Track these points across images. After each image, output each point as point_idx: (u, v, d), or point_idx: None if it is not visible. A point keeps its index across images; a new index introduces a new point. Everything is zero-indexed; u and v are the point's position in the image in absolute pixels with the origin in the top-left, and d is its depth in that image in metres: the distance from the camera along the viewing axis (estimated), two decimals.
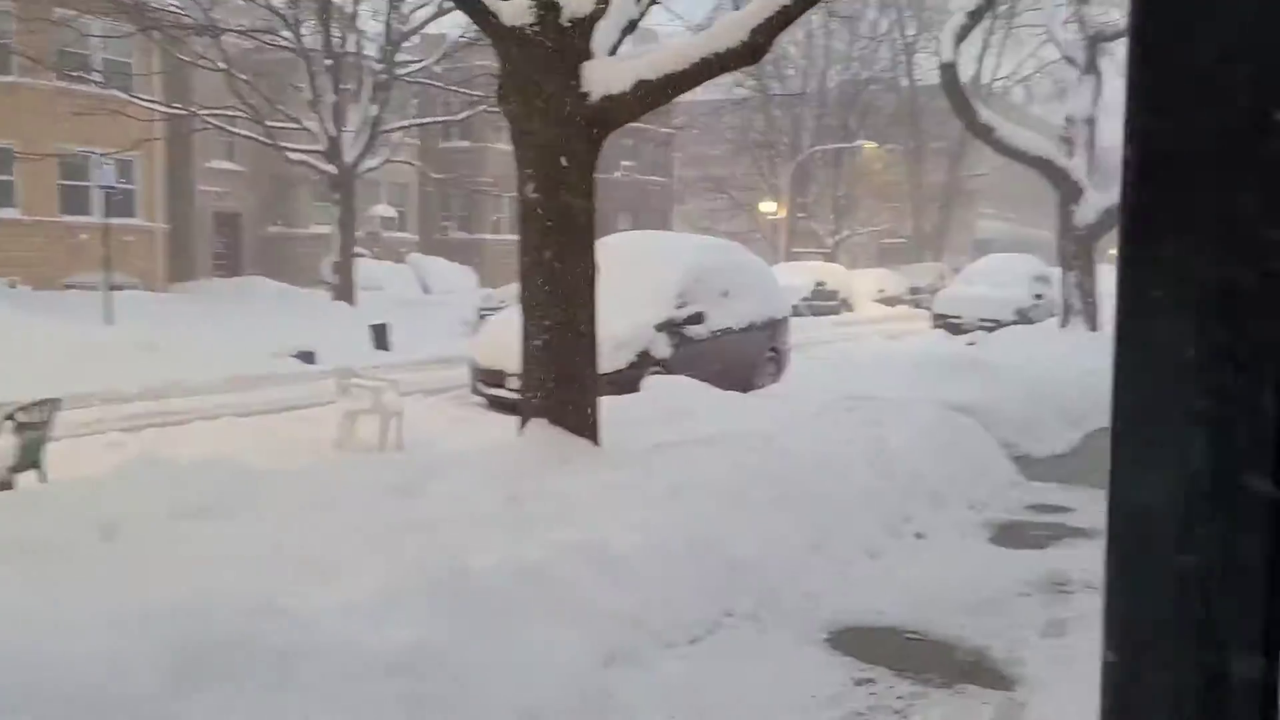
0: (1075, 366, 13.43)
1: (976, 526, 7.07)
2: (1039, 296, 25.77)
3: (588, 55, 6.44)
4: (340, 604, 3.79)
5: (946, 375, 12.30)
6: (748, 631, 4.90)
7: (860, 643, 4.83)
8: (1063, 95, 38.72)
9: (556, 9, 6.29)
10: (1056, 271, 22.07)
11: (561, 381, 6.52)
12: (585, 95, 6.37)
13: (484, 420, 10.67)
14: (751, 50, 6.37)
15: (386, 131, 22.14)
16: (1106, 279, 20.89)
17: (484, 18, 6.44)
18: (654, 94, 6.44)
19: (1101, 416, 8.50)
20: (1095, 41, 18.92)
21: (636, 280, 10.87)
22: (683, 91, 6.65)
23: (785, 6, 6.17)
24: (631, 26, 7.64)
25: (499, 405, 11.34)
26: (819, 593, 5.39)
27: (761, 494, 5.76)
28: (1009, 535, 6.89)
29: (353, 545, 4.54)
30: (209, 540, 4.64)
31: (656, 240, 14.40)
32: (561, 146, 6.39)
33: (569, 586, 4.38)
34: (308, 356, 15.79)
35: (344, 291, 21.21)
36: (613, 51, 7.23)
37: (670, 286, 11.95)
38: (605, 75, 6.38)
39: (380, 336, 17.89)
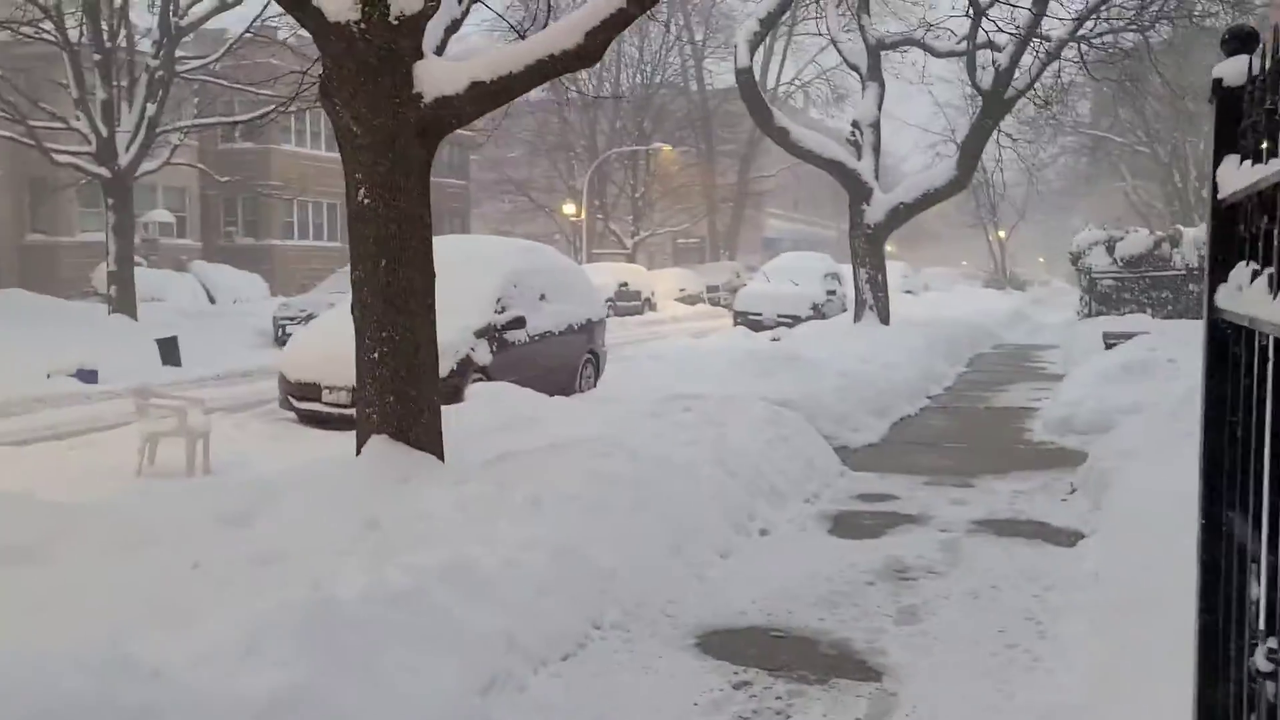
0: (875, 359, 14.07)
1: (815, 519, 7.27)
2: (831, 293, 26.99)
3: (419, 55, 6.17)
4: (198, 651, 3.46)
5: (761, 371, 12.62)
6: (617, 642, 4.83)
7: (729, 645, 4.85)
8: (840, 101, 40.83)
9: (384, 5, 5.99)
10: (845, 268, 23.16)
11: (402, 395, 6.23)
12: (418, 96, 6.11)
13: (299, 437, 10.14)
14: (586, 53, 6.30)
15: (166, 132, 20.69)
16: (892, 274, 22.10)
17: (304, 13, 6.07)
18: (489, 96, 6.24)
19: (905, 406, 8.97)
20: (877, 50, 19.87)
21: (454, 285, 10.50)
22: (518, 94, 6.50)
23: (620, 10, 6.13)
24: (455, 26, 7.44)
25: (313, 420, 10.81)
26: (681, 597, 5.39)
27: (618, 499, 5.71)
28: (845, 526, 7.12)
29: (198, 584, 4.16)
30: (27, 586, 4.13)
31: (472, 244, 14.12)
32: (394, 150, 6.09)
33: (439, 612, 4.17)
34: (89, 375, 14.55)
35: (124, 303, 19.66)
36: (439, 51, 7.00)
37: (489, 291, 11.74)
38: (438, 76, 6.13)
39: (169, 351, 16.72)
